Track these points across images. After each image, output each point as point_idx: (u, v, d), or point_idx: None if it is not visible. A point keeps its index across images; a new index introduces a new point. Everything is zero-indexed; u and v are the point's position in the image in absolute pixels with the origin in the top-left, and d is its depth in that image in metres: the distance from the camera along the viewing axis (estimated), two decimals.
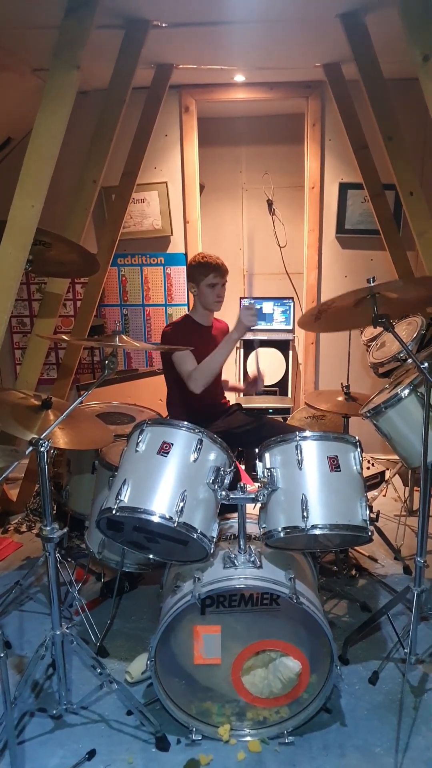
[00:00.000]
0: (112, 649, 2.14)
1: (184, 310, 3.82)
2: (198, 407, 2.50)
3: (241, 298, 4.00)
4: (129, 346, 1.93)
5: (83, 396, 1.83)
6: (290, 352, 3.82)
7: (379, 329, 2.21)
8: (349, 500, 1.78)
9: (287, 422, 3.29)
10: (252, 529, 1.88)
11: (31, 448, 1.63)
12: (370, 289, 1.82)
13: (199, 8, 2.46)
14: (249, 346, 3.83)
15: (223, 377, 2.73)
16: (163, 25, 2.61)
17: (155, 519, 1.68)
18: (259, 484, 1.81)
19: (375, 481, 3.07)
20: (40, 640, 1.75)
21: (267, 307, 3.96)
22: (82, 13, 2.14)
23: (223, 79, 3.47)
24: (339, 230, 3.72)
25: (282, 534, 1.74)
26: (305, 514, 1.71)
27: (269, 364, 3.82)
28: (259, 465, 1.86)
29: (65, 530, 1.73)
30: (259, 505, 1.83)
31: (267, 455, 1.87)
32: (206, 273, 2.45)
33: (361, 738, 1.76)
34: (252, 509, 1.96)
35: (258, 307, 2.28)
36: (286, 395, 3.81)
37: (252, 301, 2.38)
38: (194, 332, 2.54)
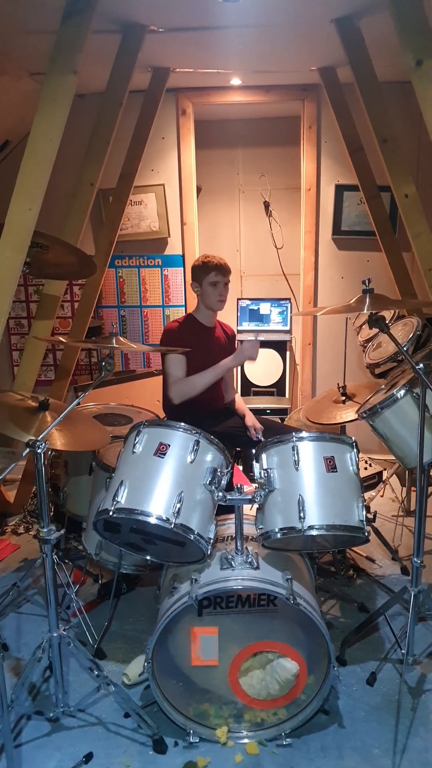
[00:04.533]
0: (109, 651, 2.14)
1: (181, 312, 3.82)
2: (195, 408, 2.50)
3: (238, 299, 4.01)
4: (126, 348, 1.93)
5: (80, 397, 1.83)
6: (287, 353, 3.83)
7: (376, 330, 2.21)
8: (345, 501, 1.78)
9: (284, 423, 3.30)
10: (249, 530, 1.89)
11: (28, 450, 1.63)
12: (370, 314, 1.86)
13: (195, 13, 2.47)
14: None
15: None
16: (160, 29, 2.62)
17: (152, 520, 1.68)
18: (256, 485, 1.81)
19: (372, 482, 3.08)
20: (37, 643, 1.75)
21: (264, 308, 3.97)
22: (78, 19, 2.15)
23: (220, 82, 3.48)
24: (335, 232, 3.73)
25: (279, 535, 1.74)
26: (302, 514, 1.71)
27: (266, 365, 3.83)
28: (256, 466, 1.86)
29: (62, 532, 1.73)
30: (256, 506, 1.83)
31: (264, 456, 1.87)
32: (208, 271, 2.48)
33: (359, 739, 1.75)
34: (249, 510, 1.96)
35: (260, 340, 2.46)
36: (284, 396, 3.81)
37: (257, 337, 2.43)
38: (197, 332, 2.55)
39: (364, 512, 1.78)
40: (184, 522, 1.70)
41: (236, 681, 1.75)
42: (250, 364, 2.44)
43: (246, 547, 1.81)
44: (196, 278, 2.52)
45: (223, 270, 2.50)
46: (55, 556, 1.73)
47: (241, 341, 2.52)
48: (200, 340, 2.47)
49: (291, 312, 3.96)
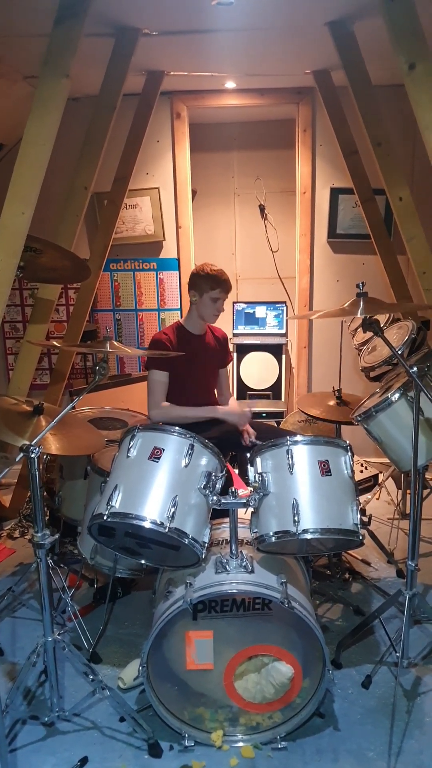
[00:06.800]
0: (105, 655, 2.13)
1: (176, 315, 3.83)
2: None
3: (234, 302, 4.01)
4: (120, 352, 1.93)
5: (74, 402, 1.83)
6: (283, 356, 3.83)
7: (370, 333, 2.22)
8: (340, 504, 1.78)
9: (280, 426, 3.30)
10: (244, 533, 1.89)
11: (21, 455, 1.63)
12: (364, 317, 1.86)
13: (189, 16, 2.48)
14: (243, 350, 3.84)
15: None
16: (153, 33, 2.62)
17: (146, 524, 1.68)
18: (250, 489, 1.81)
19: (368, 485, 3.08)
20: (32, 647, 1.75)
21: (260, 312, 3.98)
22: (70, 23, 2.15)
23: (214, 86, 3.49)
24: (330, 235, 3.74)
25: (273, 538, 1.75)
26: (296, 518, 1.71)
27: (262, 369, 3.84)
28: (250, 470, 1.86)
29: (57, 536, 1.73)
30: (250, 509, 1.84)
31: (258, 460, 1.87)
32: (213, 286, 2.46)
33: (354, 742, 1.76)
34: (244, 514, 1.96)
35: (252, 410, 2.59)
36: (280, 399, 3.82)
37: (251, 410, 2.53)
38: (186, 341, 2.54)
39: (359, 516, 1.78)
40: (179, 526, 1.70)
41: (231, 685, 1.75)
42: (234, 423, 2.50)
43: (241, 551, 1.81)
44: (198, 288, 2.49)
45: (228, 288, 2.51)
46: (50, 561, 1.73)
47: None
48: (189, 350, 2.46)
49: (287, 315, 3.96)
